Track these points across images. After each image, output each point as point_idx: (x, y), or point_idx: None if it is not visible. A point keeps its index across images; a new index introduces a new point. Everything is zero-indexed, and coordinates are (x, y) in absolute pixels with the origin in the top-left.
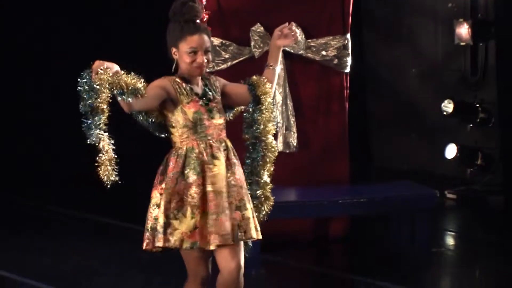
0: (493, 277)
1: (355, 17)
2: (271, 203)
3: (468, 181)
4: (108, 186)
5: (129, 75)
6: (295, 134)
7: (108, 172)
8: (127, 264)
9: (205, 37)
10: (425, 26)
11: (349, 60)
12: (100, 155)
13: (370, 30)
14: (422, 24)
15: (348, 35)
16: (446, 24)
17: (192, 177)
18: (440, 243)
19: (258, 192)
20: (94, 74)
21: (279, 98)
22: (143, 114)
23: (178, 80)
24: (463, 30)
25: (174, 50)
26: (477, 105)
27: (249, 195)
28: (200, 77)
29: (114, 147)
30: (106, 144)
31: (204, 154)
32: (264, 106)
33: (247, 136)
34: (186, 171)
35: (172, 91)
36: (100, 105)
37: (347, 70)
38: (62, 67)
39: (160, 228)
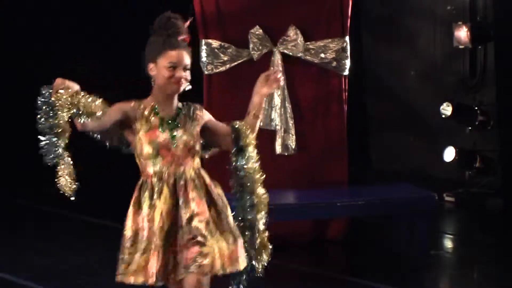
0: (491, 279)
1: (354, 19)
2: (269, 251)
3: (467, 184)
4: (72, 197)
5: (88, 96)
6: (294, 137)
7: (67, 184)
8: None
9: (186, 54)
10: (424, 28)
11: (348, 62)
12: (59, 168)
13: (369, 32)
14: (421, 26)
15: (347, 38)
16: (445, 26)
17: (144, 210)
18: (438, 246)
19: (254, 240)
20: (54, 93)
21: (277, 101)
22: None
23: (143, 106)
24: (462, 33)
25: (151, 65)
26: (476, 107)
27: (213, 228)
28: (176, 101)
29: (72, 164)
30: (64, 164)
31: (156, 187)
32: (247, 156)
33: (232, 181)
34: (141, 204)
35: (132, 118)
36: (60, 124)
37: (346, 72)
38: (63, 66)
39: (121, 262)
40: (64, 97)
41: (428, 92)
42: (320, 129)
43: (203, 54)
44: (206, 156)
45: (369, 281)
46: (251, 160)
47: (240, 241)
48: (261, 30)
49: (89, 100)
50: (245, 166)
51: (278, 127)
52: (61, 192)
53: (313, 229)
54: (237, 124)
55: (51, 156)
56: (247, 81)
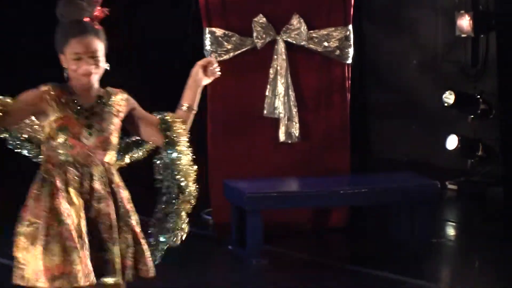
0: (492, 267)
1: (356, 9)
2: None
3: (469, 172)
4: None
5: None
6: (297, 125)
7: None
8: None
9: (93, 40)
10: (426, 17)
11: (351, 51)
12: None
13: (371, 21)
14: (423, 15)
15: (350, 26)
16: (447, 15)
17: (44, 205)
18: (440, 233)
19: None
20: None
21: (281, 89)
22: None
23: (57, 90)
24: (464, 22)
25: (61, 57)
26: (478, 96)
27: (117, 233)
28: (95, 88)
29: None
30: None
31: (59, 180)
32: (179, 150)
33: (161, 177)
34: (41, 199)
35: (42, 104)
36: None
37: (349, 61)
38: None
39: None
40: None
41: (430, 80)
42: (323, 117)
43: (207, 42)
44: (141, 155)
45: (370, 268)
46: (184, 154)
47: (143, 248)
48: (264, 19)
49: None
50: (177, 162)
51: (281, 115)
52: None
53: (315, 217)
54: (167, 115)
55: None
56: (251, 69)
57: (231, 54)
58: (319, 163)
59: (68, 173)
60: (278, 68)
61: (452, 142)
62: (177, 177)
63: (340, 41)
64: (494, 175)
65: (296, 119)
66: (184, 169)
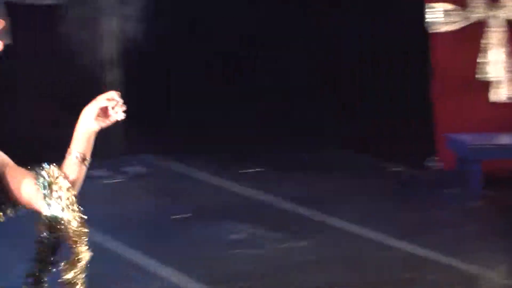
0: None
1: None
2: None
3: None
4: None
5: None
6: (509, 87)
7: None
8: (373, 193)
9: None
10: None
11: None
12: None
13: None
14: None
15: None
16: None
17: None
18: None
19: None
20: None
21: (495, 56)
22: None
23: None
24: None
25: None
26: None
27: None
28: None
29: None
30: None
31: None
32: (62, 208)
33: (40, 245)
34: None
35: None
36: None
37: None
38: None
39: None
40: None
41: None
42: None
43: (431, 16)
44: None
45: None
46: (70, 212)
47: None
48: None
49: None
50: (62, 224)
51: (497, 78)
52: None
53: None
54: (44, 169)
55: None
56: (470, 39)
57: (454, 26)
58: None
59: None
60: (494, 38)
61: None
62: (59, 242)
63: None
64: None
65: (509, 82)
66: (73, 235)
